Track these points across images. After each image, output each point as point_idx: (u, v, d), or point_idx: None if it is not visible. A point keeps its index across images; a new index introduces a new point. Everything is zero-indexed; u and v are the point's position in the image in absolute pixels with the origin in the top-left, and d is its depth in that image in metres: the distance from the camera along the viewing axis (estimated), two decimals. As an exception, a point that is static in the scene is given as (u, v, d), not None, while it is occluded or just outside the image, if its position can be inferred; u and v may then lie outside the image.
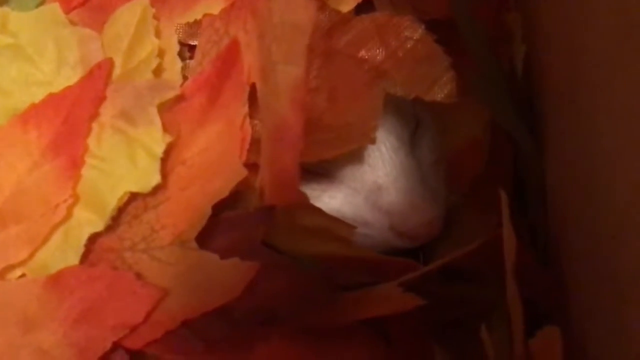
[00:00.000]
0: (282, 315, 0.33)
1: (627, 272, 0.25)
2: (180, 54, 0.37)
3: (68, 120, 0.34)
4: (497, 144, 0.38)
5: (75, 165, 0.34)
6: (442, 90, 0.35)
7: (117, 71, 0.35)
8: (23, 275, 0.33)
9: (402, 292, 0.33)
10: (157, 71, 0.36)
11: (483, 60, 0.38)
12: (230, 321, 0.33)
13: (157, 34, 0.36)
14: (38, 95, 0.35)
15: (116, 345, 0.32)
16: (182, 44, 0.37)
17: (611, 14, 0.26)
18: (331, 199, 0.36)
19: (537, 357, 0.30)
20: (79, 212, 0.34)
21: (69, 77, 0.35)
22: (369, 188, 0.36)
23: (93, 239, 0.34)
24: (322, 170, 0.36)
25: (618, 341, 0.27)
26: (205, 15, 0.37)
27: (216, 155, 0.35)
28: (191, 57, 0.37)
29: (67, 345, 0.32)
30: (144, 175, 0.34)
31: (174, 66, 0.36)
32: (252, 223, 0.34)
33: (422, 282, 0.34)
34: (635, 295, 0.25)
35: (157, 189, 0.34)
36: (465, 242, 0.35)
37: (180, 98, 0.35)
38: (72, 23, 0.37)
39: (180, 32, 0.37)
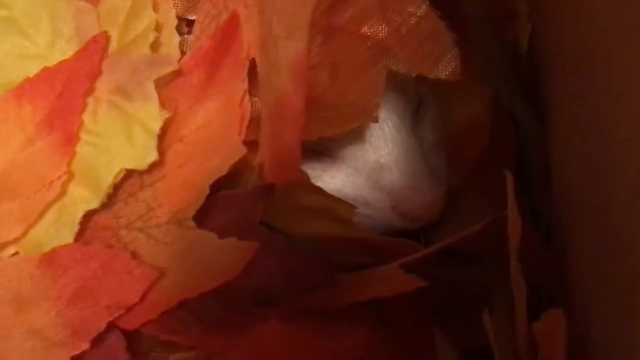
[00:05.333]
0: (280, 296, 0.33)
1: None
2: (178, 29, 0.36)
3: (63, 95, 0.34)
4: (500, 124, 0.38)
5: (69, 141, 0.33)
6: (446, 68, 0.35)
7: (113, 45, 0.35)
8: (16, 254, 0.33)
9: (403, 273, 0.33)
10: (155, 46, 0.35)
11: (486, 38, 0.38)
12: (228, 302, 0.33)
13: (155, 8, 0.36)
14: (32, 69, 0.34)
15: (111, 325, 0.32)
16: (180, 18, 0.37)
17: None
18: (332, 179, 0.36)
19: (540, 340, 0.30)
20: (74, 189, 0.33)
21: (64, 50, 0.35)
22: (371, 167, 0.36)
23: (88, 216, 0.33)
24: (323, 149, 0.36)
25: (627, 320, 0.27)
26: None
27: (214, 132, 0.34)
28: (189, 32, 0.37)
29: (61, 324, 0.31)
30: (140, 152, 0.33)
31: (171, 41, 0.36)
32: (251, 202, 0.34)
33: (423, 264, 0.34)
34: None
35: (153, 166, 0.34)
36: (466, 224, 0.35)
37: (177, 73, 0.35)
38: None
39: (178, 6, 0.37)
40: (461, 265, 0.36)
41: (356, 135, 0.36)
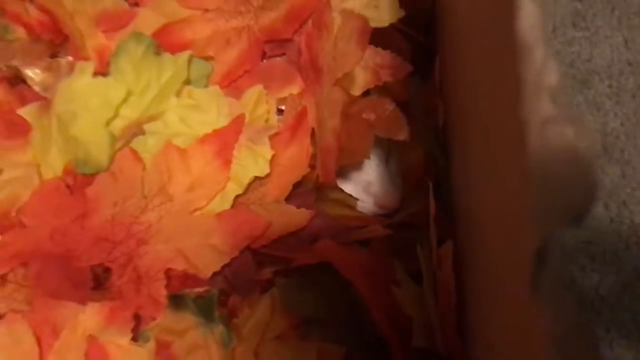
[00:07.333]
0: (322, 236, 0.38)
1: (483, 222, 0.30)
2: (277, 113, 0.41)
3: (224, 142, 0.39)
4: (428, 162, 0.41)
5: (227, 163, 0.39)
6: (402, 134, 0.40)
7: (247, 120, 0.40)
8: (202, 214, 0.38)
9: (379, 228, 0.38)
10: (266, 121, 0.41)
11: (422, 119, 0.41)
12: (299, 238, 0.38)
13: (267, 102, 0.40)
14: (208, 130, 0.40)
15: (247, 246, 0.37)
16: (278, 109, 0.41)
17: (478, 106, 0.29)
18: (345, 187, 0.41)
19: (440, 258, 0.35)
20: (230, 185, 0.39)
21: (223, 122, 0.40)
22: (364, 182, 0.41)
23: (236, 198, 0.39)
24: (343, 172, 0.40)
25: (477, 250, 0.31)
26: (289, 94, 0.41)
27: (295, 161, 0.40)
28: (282, 114, 0.41)
29: (225, 243, 0.37)
30: (260, 168, 0.39)
31: (273, 118, 0.41)
32: (310, 194, 0.40)
33: (389, 226, 0.39)
34: (488, 232, 0.28)
35: (266, 176, 0.39)
36: (410, 209, 0.40)
37: (277, 134, 0.40)
38: (225, 95, 0.41)
39: (277, 102, 0.41)
40: (407, 227, 0.39)
41: (358, 166, 0.41)
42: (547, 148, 0.15)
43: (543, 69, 0.15)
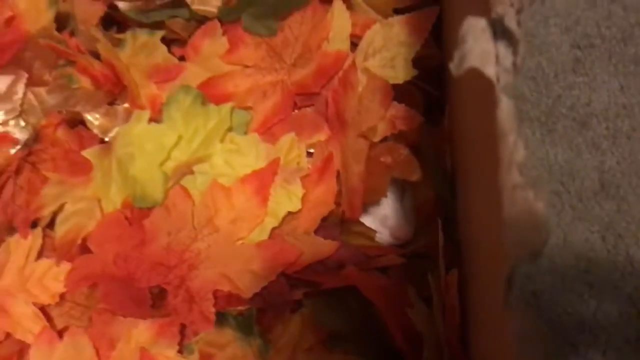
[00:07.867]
0: (347, 264, 0.42)
1: (478, 255, 0.33)
2: (307, 155, 0.45)
3: (261, 182, 0.44)
4: (437, 200, 0.44)
5: (265, 200, 0.43)
6: (415, 175, 0.44)
7: (281, 163, 0.44)
8: (243, 242, 0.43)
9: (395, 257, 0.43)
10: (298, 164, 0.45)
11: (432, 161, 0.44)
12: (326, 265, 0.43)
13: (298, 148, 0.45)
14: (248, 171, 0.44)
15: (282, 272, 0.42)
16: (307, 152, 0.45)
17: (478, 156, 0.31)
18: (365, 220, 0.45)
19: (448, 284, 0.39)
20: (267, 219, 0.43)
21: (261, 164, 0.44)
22: (382, 216, 0.45)
23: (272, 230, 0.43)
24: (363, 207, 0.44)
25: (475, 277, 0.35)
26: (318, 140, 0.45)
27: (322, 198, 0.44)
28: (311, 156, 0.45)
29: (263, 268, 0.42)
30: (293, 204, 0.43)
31: (303, 161, 0.45)
32: (335, 227, 0.45)
33: (404, 256, 0.44)
34: (480, 262, 0.34)
35: (298, 211, 0.44)
36: (420, 241, 0.44)
37: (307, 175, 0.44)
38: (263, 141, 0.45)
39: (306, 147, 0.45)
40: (419, 256, 0.44)
41: (377, 202, 0.45)
42: (516, 206, 0.22)
43: (514, 149, 0.22)
